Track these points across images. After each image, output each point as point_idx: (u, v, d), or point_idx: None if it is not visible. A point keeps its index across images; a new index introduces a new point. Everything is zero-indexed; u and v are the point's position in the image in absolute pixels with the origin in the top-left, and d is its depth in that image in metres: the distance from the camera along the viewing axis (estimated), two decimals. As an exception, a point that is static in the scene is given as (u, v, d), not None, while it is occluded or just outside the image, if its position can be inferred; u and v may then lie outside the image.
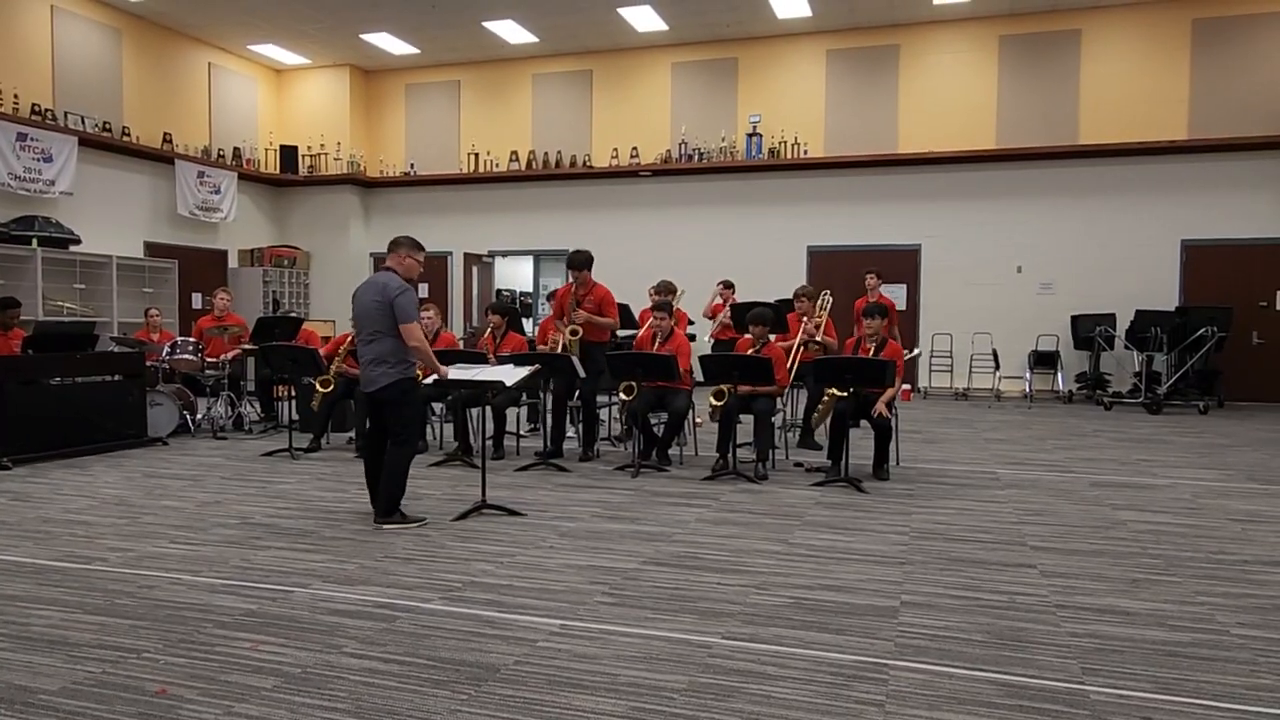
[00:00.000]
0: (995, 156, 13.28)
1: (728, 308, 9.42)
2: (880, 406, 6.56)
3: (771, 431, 7.08)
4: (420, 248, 5.39)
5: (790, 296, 8.65)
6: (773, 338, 7.50)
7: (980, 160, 13.39)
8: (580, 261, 7.37)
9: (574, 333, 7.25)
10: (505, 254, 15.84)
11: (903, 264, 13.87)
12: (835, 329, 8.57)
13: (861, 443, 7.95)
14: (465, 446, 7.66)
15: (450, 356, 7.20)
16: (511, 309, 8.48)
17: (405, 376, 5.16)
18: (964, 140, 13.37)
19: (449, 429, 8.54)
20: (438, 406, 8.65)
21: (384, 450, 5.30)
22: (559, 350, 7.16)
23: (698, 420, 8.54)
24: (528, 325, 13.64)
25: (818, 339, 7.86)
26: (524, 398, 8.27)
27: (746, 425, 7.91)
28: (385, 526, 5.23)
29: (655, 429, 7.54)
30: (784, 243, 14.20)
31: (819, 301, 8.42)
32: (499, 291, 16.00)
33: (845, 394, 6.54)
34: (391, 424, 5.21)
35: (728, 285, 10.12)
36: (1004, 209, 13.44)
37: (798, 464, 7.41)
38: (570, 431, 8.20)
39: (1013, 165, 13.38)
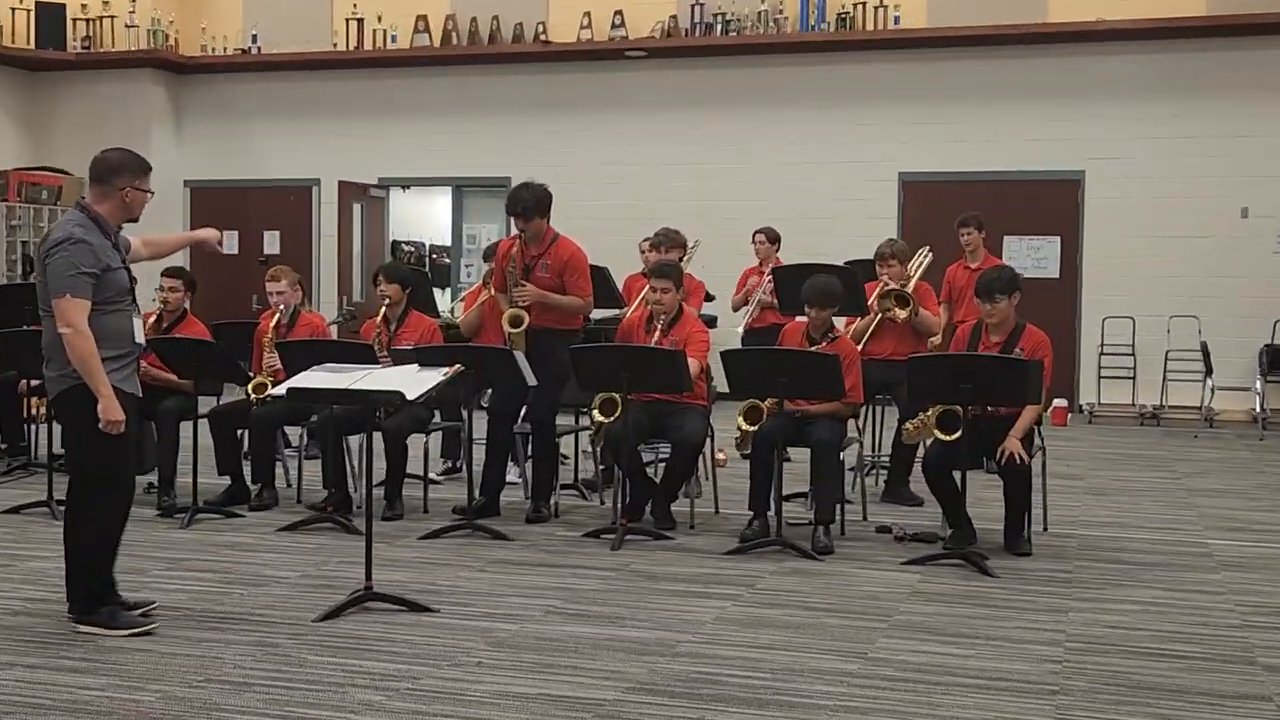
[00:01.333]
0: (1205, 30, 13.31)
1: (769, 276, 9.43)
2: (1013, 445, 6.65)
3: (840, 475, 7.08)
4: (146, 168, 5.45)
5: (870, 257, 8.72)
6: (842, 323, 7.64)
7: (1181, 36, 13.40)
8: (529, 204, 7.38)
9: (516, 322, 7.33)
10: (406, 184, 15.80)
11: (1055, 203, 13.95)
12: (935, 302, 8.76)
13: (984, 493, 7.82)
14: (341, 499, 7.68)
15: (317, 352, 7.12)
16: (416, 274, 8.54)
17: (77, 383, 5.20)
18: (1154, 4, 13.32)
19: (314, 469, 8.49)
20: (294, 433, 8.62)
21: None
22: (506, 327, 7.27)
23: (719, 456, 8.43)
24: (443, 300, 13.49)
25: (904, 292, 8.01)
26: (435, 418, 8.24)
27: (799, 466, 7.79)
28: (82, 628, 5.34)
29: (650, 470, 7.64)
30: (861, 169, 14.16)
31: (915, 262, 8.53)
32: (396, 246, 15.92)
33: (952, 436, 6.63)
34: (67, 460, 5.31)
35: (770, 239, 10.15)
36: (1219, 115, 13.48)
37: (883, 529, 7.44)
38: (513, 474, 8.22)
39: (1233, 44, 13.40)
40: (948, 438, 6.65)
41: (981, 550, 6.69)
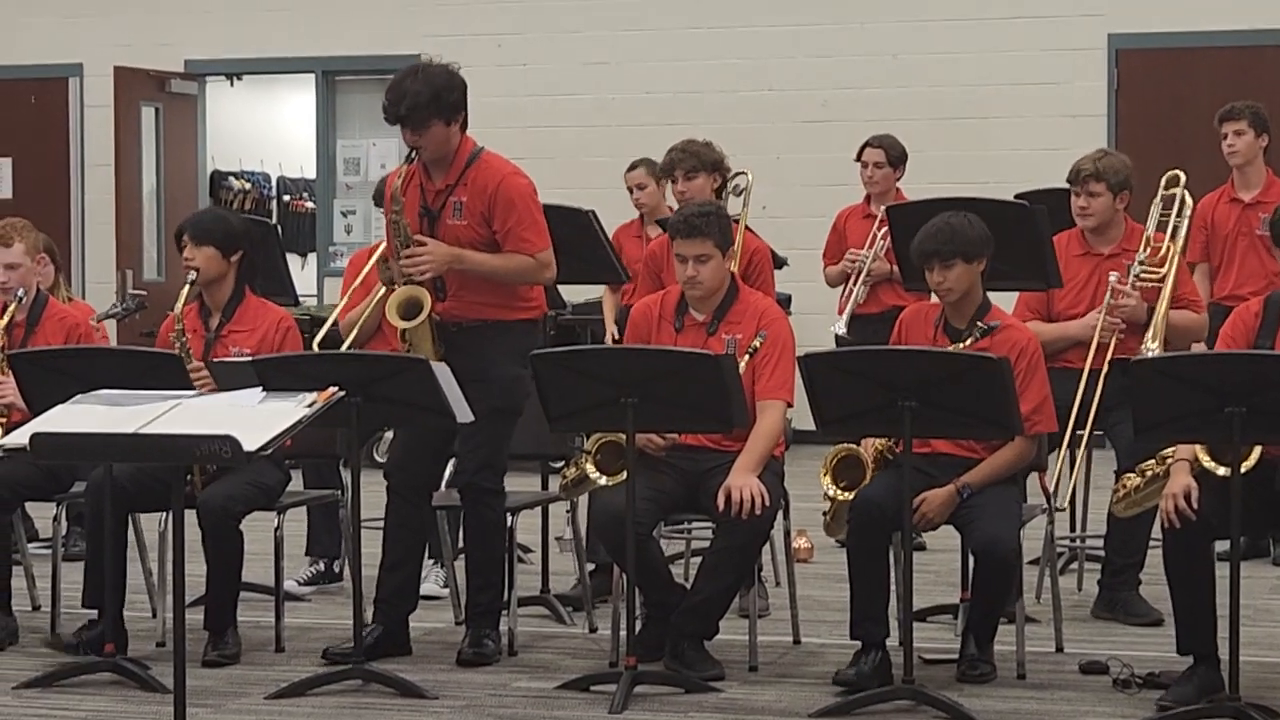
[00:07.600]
0: None
1: (882, 218, 7.96)
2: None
3: (1014, 568, 5.78)
4: None
5: (1066, 184, 6.98)
6: (1012, 309, 6.53)
7: None
8: (420, 101, 6.08)
9: (410, 310, 6.15)
10: (235, 72, 13.60)
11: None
12: (1189, 274, 7.19)
13: (1273, 601, 6.90)
14: (113, 632, 6.03)
15: (80, 370, 6.01)
16: (256, 231, 7.51)
17: None
18: None
19: (71, 574, 6.92)
20: (43, 517, 7.49)
21: None
22: (395, 321, 6.22)
23: (799, 543, 7.23)
24: (304, 276, 12.57)
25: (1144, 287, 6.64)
26: (293, 485, 6.92)
27: (940, 556, 6.88)
28: None
29: (678, 570, 6.77)
30: (1047, 30, 11.67)
31: (1159, 199, 6.92)
32: (220, 181, 14.18)
33: (1220, 466, 5.20)
34: None
35: (891, 159, 8.39)
36: None
37: (1092, 667, 5.85)
38: (433, 581, 7.08)
39: None
40: (1220, 469, 5.22)
41: (1267, 705, 5.14)
